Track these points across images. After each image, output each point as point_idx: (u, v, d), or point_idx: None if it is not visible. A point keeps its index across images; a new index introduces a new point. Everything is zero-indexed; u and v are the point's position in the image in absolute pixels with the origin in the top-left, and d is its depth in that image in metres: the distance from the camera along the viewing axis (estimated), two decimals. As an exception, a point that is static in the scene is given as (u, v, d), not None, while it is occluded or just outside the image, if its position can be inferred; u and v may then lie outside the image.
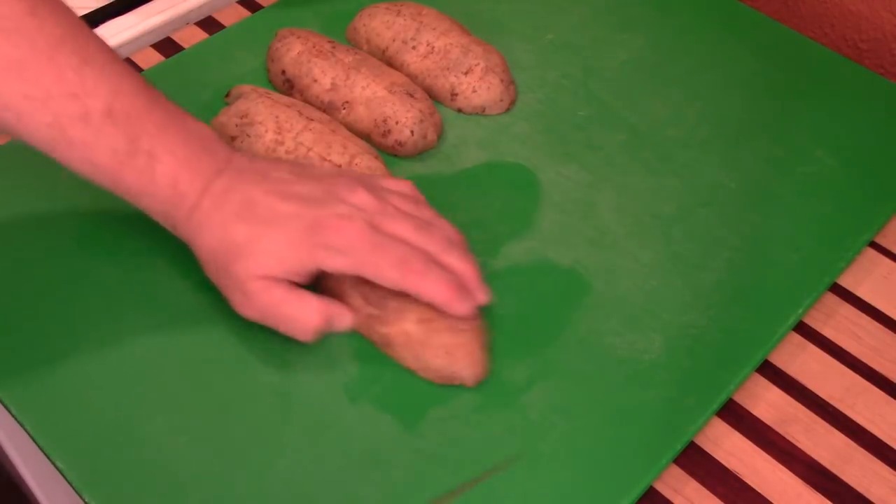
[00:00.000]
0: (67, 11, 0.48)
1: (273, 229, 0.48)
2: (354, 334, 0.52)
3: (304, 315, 0.49)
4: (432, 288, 0.49)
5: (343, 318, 0.50)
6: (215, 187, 0.49)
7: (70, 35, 0.47)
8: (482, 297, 0.51)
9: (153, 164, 0.48)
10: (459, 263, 0.50)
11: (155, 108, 0.48)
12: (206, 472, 0.47)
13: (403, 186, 0.54)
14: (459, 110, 0.65)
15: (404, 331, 0.50)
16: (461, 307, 0.49)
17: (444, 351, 0.50)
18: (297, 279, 0.49)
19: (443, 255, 0.50)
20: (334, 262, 0.48)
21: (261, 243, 0.48)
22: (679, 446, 0.49)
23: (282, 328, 0.49)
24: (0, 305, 0.53)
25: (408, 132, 0.61)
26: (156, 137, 0.48)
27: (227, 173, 0.49)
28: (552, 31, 0.72)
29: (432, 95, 0.65)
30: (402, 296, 0.50)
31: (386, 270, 0.48)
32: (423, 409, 0.50)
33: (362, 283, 0.51)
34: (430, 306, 0.50)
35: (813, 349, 0.55)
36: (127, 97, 0.47)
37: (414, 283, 0.48)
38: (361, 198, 0.50)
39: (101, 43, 0.48)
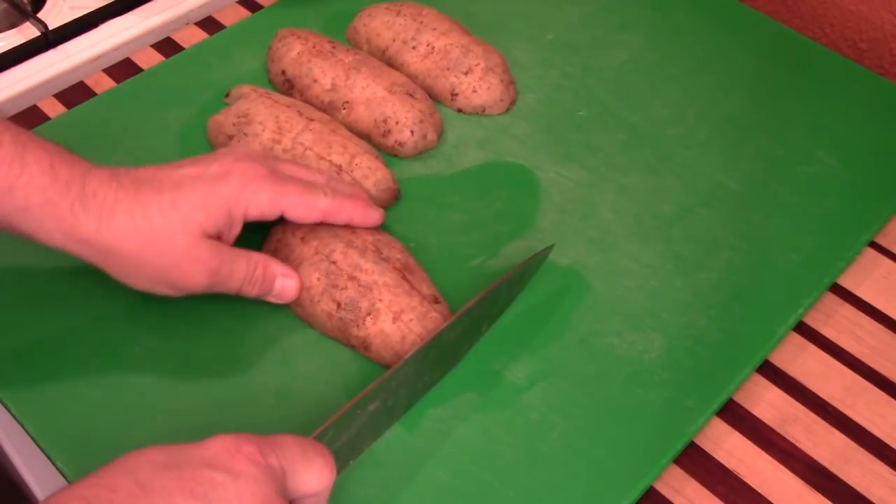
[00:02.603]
0: None
1: (185, 188, 0.47)
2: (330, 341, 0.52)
3: (266, 259, 0.50)
4: (348, 208, 0.52)
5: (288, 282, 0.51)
6: (100, 173, 0.46)
7: None
8: (379, 213, 0.54)
9: (22, 152, 0.44)
10: (351, 188, 0.54)
11: (7, 125, 0.46)
12: (206, 472, 0.47)
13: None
14: (459, 110, 0.65)
15: (381, 330, 0.50)
16: (375, 216, 0.53)
17: (420, 339, 0.50)
18: (231, 233, 0.49)
19: (334, 182, 0.53)
20: (260, 199, 0.49)
21: (181, 204, 0.47)
22: (679, 446, 0.49)
23: (228, 287, 0.50)
24: (0, 306, 0.53)
25: (408, 132, 0.61)
26: (16, 132, 0.45)
27: (100, 167, 0.47)
28: (552, 31, 0.72)
29: (432, 95, 0.65)
30: (372, 295, 0.50)
31: (303, 197, 0.50)
32: (423, 409, 0.50)
33: (332, 287, 0.51)
34: (398, 299, 0.50)
35: (813, 349, 0.55)
36: None
37: (330, 208, 0.51)
38: (246, 153, 0.51)
39: None
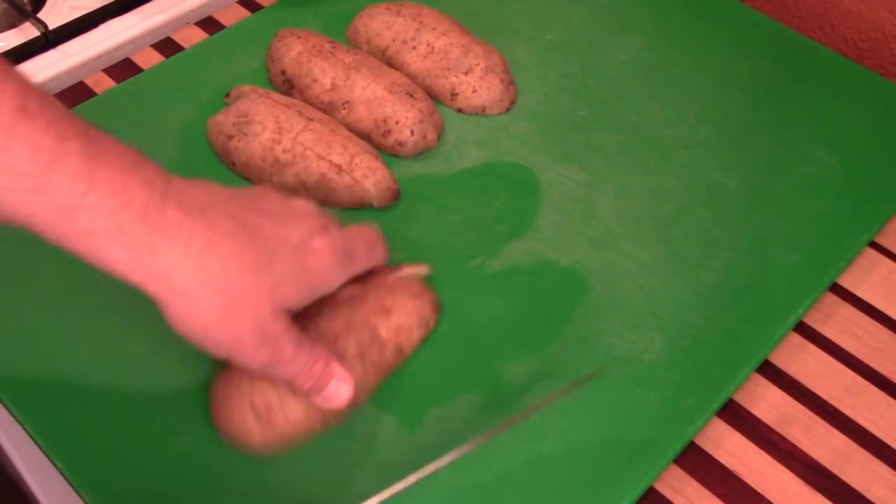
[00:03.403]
0: None
1: (280, 256, 0.42)
2: None
3: (331, 356, 0.46)
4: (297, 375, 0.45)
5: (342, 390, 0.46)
6: (183, 200, 0.39)
7: None
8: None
9: (90, 167, 0.37)
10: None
11: (73, 114, 0.39)
12: (207, 472, 0.47)
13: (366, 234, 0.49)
14: (459, 110, 0.65)
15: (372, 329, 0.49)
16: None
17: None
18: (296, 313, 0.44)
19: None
20: (340, 281, 0.46)
21: (276, 273, 0.41)
22: (679, 446, 0.49)
23: (303, 374, 0.44)
24: (0, 306, 0.53)
25: (408, 132, 0.61)
26: (85, 139, 0.38)
27: (180, 187, 0.40)
28: (552, 31, 0.72)
29: (432, 95, 0.65)
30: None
31: (375, 252, 0.49)
32: (423, 409, 0.50)
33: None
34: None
35: (813, 349, 0.55)
36: (41, 98, 0.38)
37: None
38: (313, 221, 0.45)
39: None
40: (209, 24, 0.73)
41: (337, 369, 0.46)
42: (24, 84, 0.38)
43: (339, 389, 0.46)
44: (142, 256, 0.38)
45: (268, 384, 0.46)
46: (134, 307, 0.53)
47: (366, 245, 0.48)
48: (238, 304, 0.40)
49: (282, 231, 0.43)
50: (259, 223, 0.42)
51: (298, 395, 0.46)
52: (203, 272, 0.39)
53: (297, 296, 0.43)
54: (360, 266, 0.48)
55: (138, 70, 0.69)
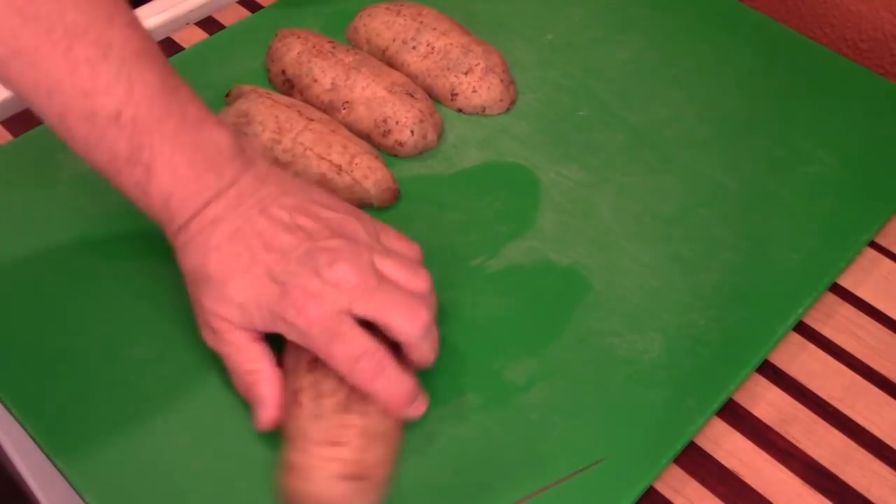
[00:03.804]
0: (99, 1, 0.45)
1: (243, 277, 0.46)
2: None
3: (264, 375, 0.47)
4: (378, 391, 0.45)
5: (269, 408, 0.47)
6: (207, 214, 0.46)
7: (93, 25, 0.43)
8: (421, 407, 0.48)
9: (149, 178, 0.46)
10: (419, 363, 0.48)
11: (170, 115, 0.45)
12: (207, 472, 0.47)
13: (407, 249, 0.50)
14: (459, 110, 0.65)
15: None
16: (402, 413, 0.46)
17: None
18: (259, 332, 0.47)
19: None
20: (292, 336, 0.45)
21: (228, 287, 0.46)
22: (679, 446, 0.49)
23: (232, 376, 0.48)
24: (0, 305, 0.53)
25: (408, 132, 0.61)
26: (159, 150, 0.45)
27: (226, 198, 0.47)
28: (552, 31, 0.72)
29: (432, 95, 0.65)
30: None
31: (337, 363, 0.45)
32: (423, 409, 0.50)
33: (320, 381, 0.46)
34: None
35: (813, 349, 0.55)
36: (140, 101, 0.45)
37: (360, 383, 0.45)
38: (341, 274, 0.45)
39: (129, 34, 0.45)
40: (209, 24, 0.73)
41: (263, 388, 0.47)
42: (135, 79, 0.45)
43: (259, 410, 0.47)
44: (168, 240, 0.48)
45: (340, 438, 0.44)
46: (136, 308, 0.53)
47: (345, 352, 0.45)
48: (196, 292, 0.48)
49: (272, 263, 0.46)
50: (256, 247, 0.46)
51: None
52: (189, 261, 0.47)
53: (241, 317, 0.46)
54: (322, 355, 0.45)
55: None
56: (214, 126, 0.47)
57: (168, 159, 0.45)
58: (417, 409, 0.47)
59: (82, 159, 0.47)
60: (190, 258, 0.47)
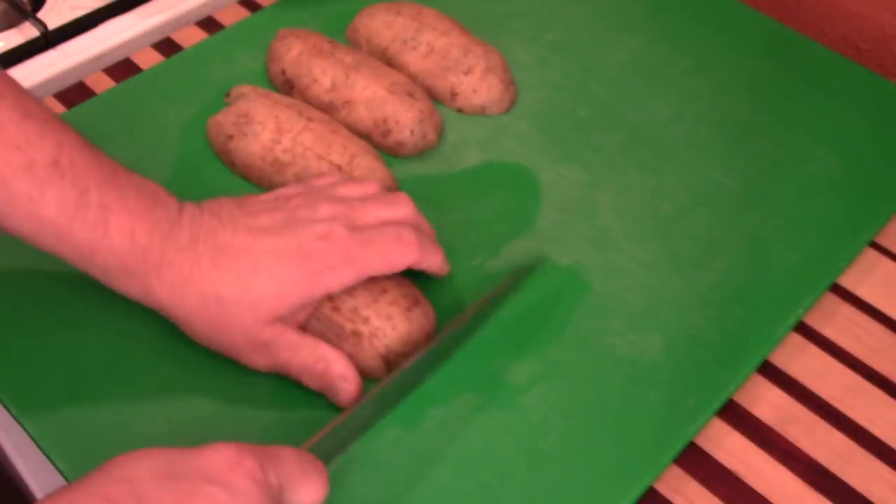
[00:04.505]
0: (1, 71, 0.47)
1: (262, 272, 0.46)
2: None
3: (331, 356, 0.48)
4: (433, 258, 0.51)
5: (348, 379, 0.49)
6: (179, 238, 0.46)
7: (8, 90, 0.45)
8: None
9: (106, 216, 0.45)
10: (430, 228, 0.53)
11: (101, 163, 0.46)
12: (206, 472, 0.47)
13: (355, 187, 0.53)
14: (459, 110, 0.65)
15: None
16: (447, 267, 0.53)
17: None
18: (301, 315, 0.48)
19: (420, 221, 0.52)
20: (341, 279, 0.47)
21: (256, 289, 0.46)
22: (679, 446, 0.49)
23: (300, 377, 0.49)
24: (0, 305, 0.53)
25: (408, 132, 0.61)
26: (105, 189, 0.45)
27: (185, 222, 0.47)
28: (552, 31, 0.72)
29: (432, 95, 0.65)
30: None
31: (389, 256, 0.48)
32: (423, 409, 0.50)
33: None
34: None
35: (813, 349, 0.55)
36: (72, 150, 0.45)
37: (417, 258, 0.49)
38: (327, 210, 0.49)
39: (38, 101, 0.47)
40: (209, 24, 0.73)
41: (337, 368, 0.48)
42: (60, 135, 0.45)
43: (343, 388, 0.48)
44: (146, 291, 0.47)
45: None
46: (136, 308, 0.53)
47: (385, 246, 0.48)
48: (223, 323, 0.46)
49: (271, 244, 0.47)
50: (247, 242, 0.47)
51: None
52: (188, 302, 0.46)
53: (283, 305, 0.46)
54: (375, 269, 0.48)
55: (138, 70, 0.69)
56: (137, 175, 0.48)
57: (118, 196, 0.45)
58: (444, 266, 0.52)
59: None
60: (192, 294, 0.46)
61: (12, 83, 0.46)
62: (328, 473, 0.41)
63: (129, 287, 0.47)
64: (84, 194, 0.45)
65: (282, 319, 0.47)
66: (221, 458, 0.37)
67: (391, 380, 0.48)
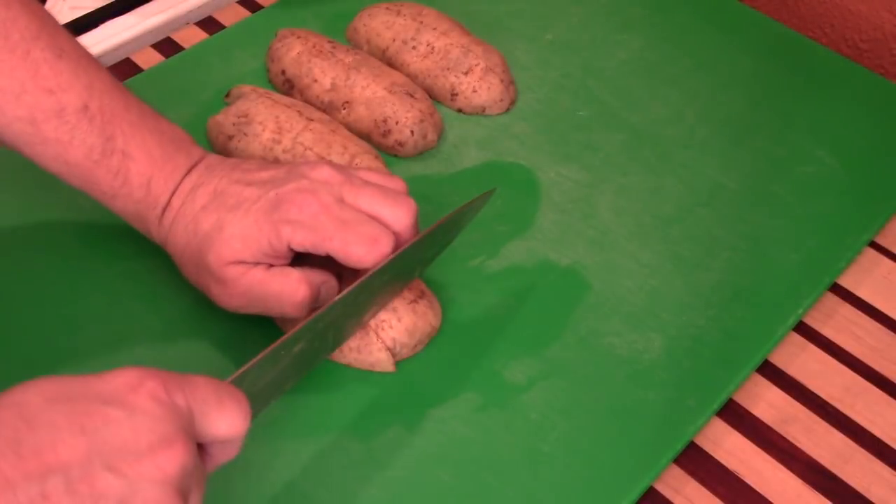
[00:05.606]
0: (39, 6, 0.48)
1: (237, 213, 0.47)
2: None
3: (289, 288, 0.47)
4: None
5: (330, 286, 0.48)
6: (185, 185, 0.48)
7: (45, 30, 0.46)
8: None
9: (127, 164, 0.48)
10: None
11: (130, 106, 0.49)
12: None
13: (381, 177, 0.51)
14: (459, 110, 0.65)
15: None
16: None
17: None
18: (270, 260, 0.47)
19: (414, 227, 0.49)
20: (299, 238, 0.46)
21: (226, 229, 0.46)
22: (679, 446, 0.49)
23: (269, 308, 0.48)
24: (0, 305, 0.53)
25: (408, 132, 0.61)
26: (130, 136, 0.48)
27: (198, 170, 0.49)
28: (552, 31, 0.72)
29: (432, 95, 0.65)
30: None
31: (352, 246, 0.45)
32: (423, 409, 0.50)
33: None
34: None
35: (813, 349, 0.55)
36: (102, 94, 0.47)
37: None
38: (325, 172, 0.48)
39: (73, 39, 0.48)
40: (209, 24, 0.73)
41: (316, 277, 0.48)
42: (91, 76, 0.47)
43: (329, 286, 0.49)
44: (151, 231, 0.50)
45: None
46: (136, 308, 0.53)
47: (355, 236, 0.46)
48: (200, 260, 0.48)
49: (254, 190, 0.47)
50: (238, 189, 0.48)
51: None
52: (178, 240, 0.49)
53: (247, 249, 0.46)
54: (333, 251, 0.46)
55: (138, 70, 0.69)
56: (166, 119, 0.51)
57: (141, 143, 0.48)
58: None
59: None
60: (181, 231, 0.48)
61: (48, 21, 0.47)
62: (248, 406, 0.37)
63: (140, 227, 0.50)
64: (110, 140, 0.47)
65: (246, 261, 0.47)
66: (122, 380, 0.34)
67: (325, 310, 0.45)
